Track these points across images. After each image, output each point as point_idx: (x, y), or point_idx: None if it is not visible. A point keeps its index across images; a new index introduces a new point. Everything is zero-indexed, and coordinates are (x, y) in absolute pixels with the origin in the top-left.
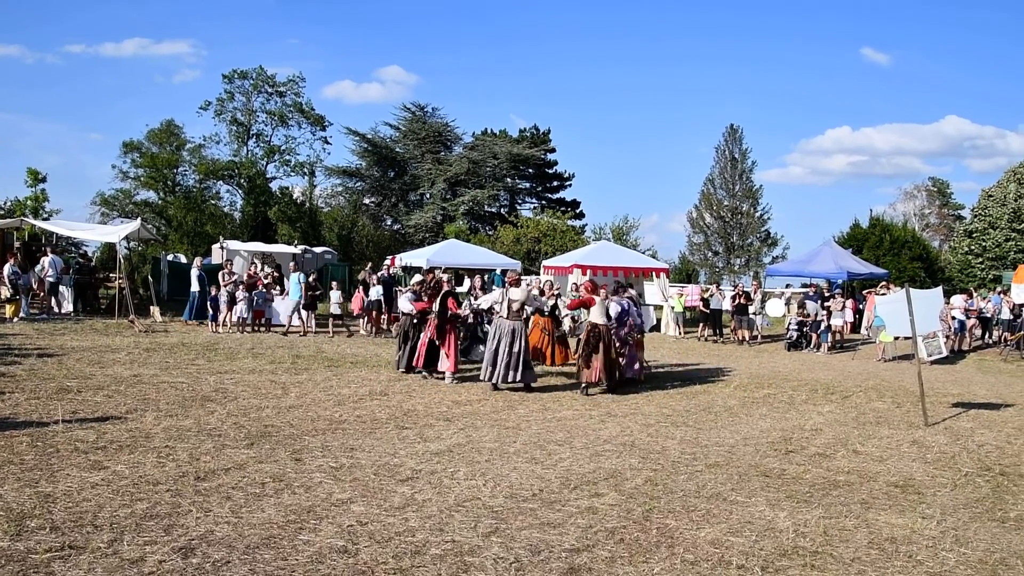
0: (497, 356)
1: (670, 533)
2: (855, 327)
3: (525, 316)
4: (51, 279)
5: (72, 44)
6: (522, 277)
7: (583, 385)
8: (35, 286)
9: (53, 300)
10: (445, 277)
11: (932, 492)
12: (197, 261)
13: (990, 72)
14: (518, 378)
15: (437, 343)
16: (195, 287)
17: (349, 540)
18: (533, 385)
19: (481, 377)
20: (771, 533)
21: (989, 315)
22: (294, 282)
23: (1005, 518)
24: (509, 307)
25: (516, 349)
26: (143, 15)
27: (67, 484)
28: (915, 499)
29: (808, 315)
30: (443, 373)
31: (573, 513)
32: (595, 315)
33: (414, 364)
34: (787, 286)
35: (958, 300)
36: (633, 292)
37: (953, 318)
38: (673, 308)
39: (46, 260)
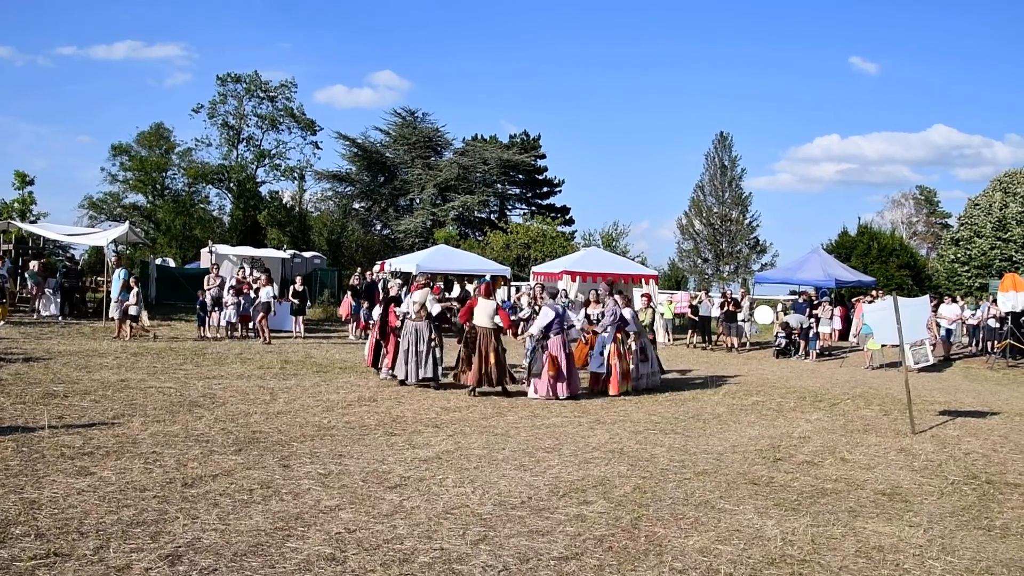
0: (407, 355)
1: (658, 541)
2: (843, 335)
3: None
4: None
5: (63, 46)
6: (428, 282)
7: (470, 387)
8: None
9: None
10: (395, 284)
11: (919, 500)
12: (214, 269)
13: (978, 82)
14: (428, 374)
15: (381, 342)
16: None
17: (337, 548)
18: (443, 382)
19: (396, 376)
20: (759, 541)
21: (976, 323)
22: (115, 280)
23: (991, 526)
24: (412, 310)
25: (421, 348)
26: (135, 17)
27: (53, 490)
28: (902, 507)
29: (792, 328)
30: (382, 369)
31: (561, 521)
32: (478, 317)
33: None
34: (783, 308)
35: (952, 310)
36: (606, 300)
37: (938, 325)
38: (662, 315)
39: None
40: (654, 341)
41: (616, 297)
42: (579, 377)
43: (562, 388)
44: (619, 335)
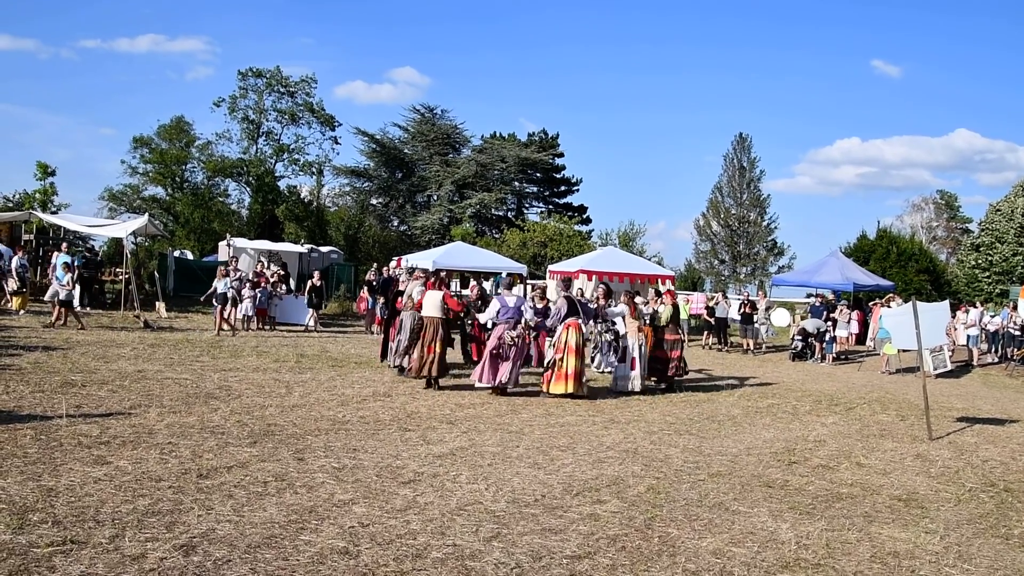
0: (398, 344)
1: (672, 542)
2: (860, 339)
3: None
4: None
5: (87, 39)
6: (422, 276)
7: (413, 376)
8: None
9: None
10: (400, 275)
11: (936, 507)
12: (232, 262)
13: (1002, 86)
14: (407, 363)
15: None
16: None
17: (350, 541)
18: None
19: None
20: (773, 544)
21: (995, 330)
22: (59, 264)
23: (1009, 535)
24: (409, 300)
25: (403, 337)
26: (159, 11)
27: (70, 479)
28: (918, 513)
29: (810, 332)
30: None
31: (575, 519)
32: (426, 308)
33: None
34: (801, 315)
35: (971, 315)
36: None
37: (956, 330)
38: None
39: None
40: (680, 341)
41: (566, 293)
42: (510, 374)
43: (478, 374)
44: (570, 329)
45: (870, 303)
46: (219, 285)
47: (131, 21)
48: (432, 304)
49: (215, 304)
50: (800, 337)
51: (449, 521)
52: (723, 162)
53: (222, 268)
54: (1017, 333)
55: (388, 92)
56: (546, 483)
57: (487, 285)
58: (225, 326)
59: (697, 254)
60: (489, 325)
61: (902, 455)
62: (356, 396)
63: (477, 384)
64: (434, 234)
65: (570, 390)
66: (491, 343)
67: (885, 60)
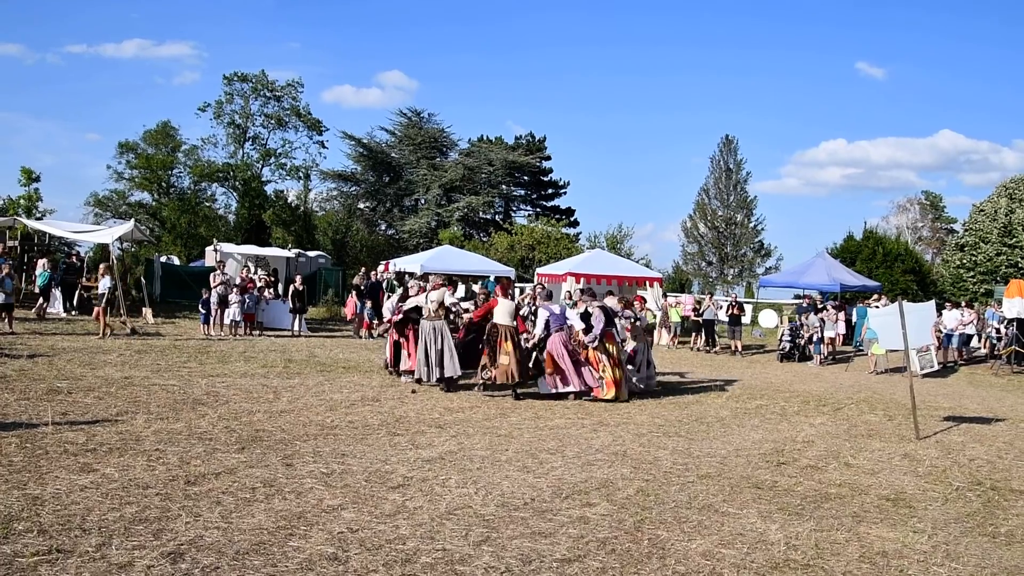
0: (428, 357)
1: (661, 544)
2: (848, 339)
3: (450, 316)
4: None
5: (73, 44)
6: (445, 282)
7: (483, 383)
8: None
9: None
10: (415, 284)
11: (923, 506)
12: (220, 267)
13: (986, 87)
14: (445, 374)
15: (400, 343)
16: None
17: (339, 547)
18: (457, 381)
19: (416, 378)
20: (762, 545)
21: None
22: None
23: (996, 533)
24: (429, 309)
25: (439, 347)
26: (145, 16)
27: (56, 487)
28: (906, 513)
29: (811, 326)
30: (407, 372)
31: (564, 523)
32: (498, 315)
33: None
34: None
35: (954, 315)
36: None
37: (941, 331)
38: (669, 318)
39: None
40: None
41: (600, 303)
42: (592, 375)
43: (563, 382)
44: (605, 342)
45: (858, 303)
46: (99, 285)
47: (117, 26)
48: (505, 312)
49: (97, 304)
50: (788, 338)
51: (438, 526)
52: (710, 164)
53: (104, 265)
54: (972, 332)
55: (376, 96)
56: (535, 486)
57: (475, 288)
58: (115, 326)
59: (685, 256)
60: (538, 337)
61: (890, 455)
62: (344, 401)
63: (561, 390)
64: (422, 238)
65: (609, 396)
66: (559, 350)
67: (869, 62)
